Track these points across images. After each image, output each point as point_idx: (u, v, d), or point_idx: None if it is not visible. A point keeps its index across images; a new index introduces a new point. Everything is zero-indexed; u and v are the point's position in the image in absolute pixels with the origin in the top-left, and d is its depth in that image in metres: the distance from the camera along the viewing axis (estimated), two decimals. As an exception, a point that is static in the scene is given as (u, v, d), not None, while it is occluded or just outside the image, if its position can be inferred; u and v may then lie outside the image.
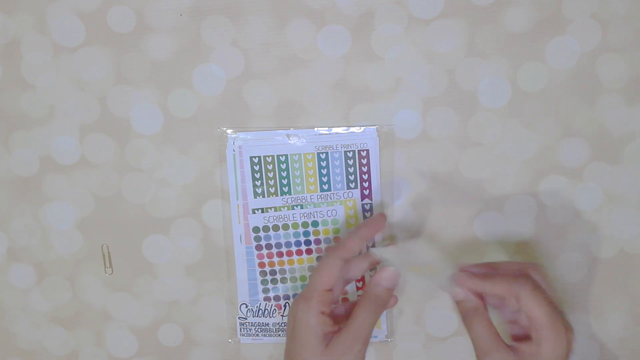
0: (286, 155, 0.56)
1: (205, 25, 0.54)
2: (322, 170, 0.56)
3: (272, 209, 0.57)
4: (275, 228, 0.57)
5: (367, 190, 0.56)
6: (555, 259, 0.57)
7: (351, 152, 0.55)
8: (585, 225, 0.56)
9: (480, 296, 0.47)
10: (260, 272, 0.58)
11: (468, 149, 0.55)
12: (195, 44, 0.54)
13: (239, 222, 0.57)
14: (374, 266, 0.52)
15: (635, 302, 0.58)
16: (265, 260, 0.58)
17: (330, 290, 0.48)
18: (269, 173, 0.56)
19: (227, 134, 0.56)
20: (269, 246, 0.57)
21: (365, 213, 0.56)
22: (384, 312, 0.57)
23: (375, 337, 0.59)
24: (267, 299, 0.59)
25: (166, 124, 0.56)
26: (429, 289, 0.54)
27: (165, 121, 0.56)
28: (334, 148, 0.55)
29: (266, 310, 0.59)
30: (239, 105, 0.55)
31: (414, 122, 0.55)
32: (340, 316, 0.51)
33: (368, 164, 0.56)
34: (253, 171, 0.56)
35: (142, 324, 0.60)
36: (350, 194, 0.56)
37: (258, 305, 0.59)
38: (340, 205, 0.56)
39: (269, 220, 0.57)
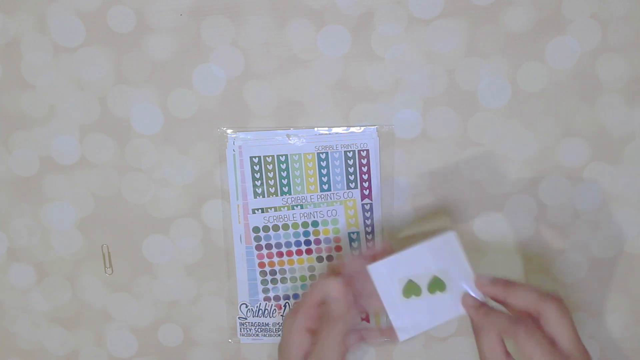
0: (286, 155, 0.56)
1: (205, 25, 0.54)
2: (322, 170, 0.56)
3: (272, 209, 0.57)
4: (275, 228, 0.57)
5: (367, 190, 0.56)
6: (555, 259, 0.57)
7: (351, 152, 0.55)
8: (585, 225, 0.56)
9: (489, 308, 0.45)
10: (260, 272, 0.58)
11: (468, 149, 0.55)
12: (195, 44, 0.54)
13: (239, 222, 0.57)
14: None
15: (635, 302, 0.57)
16: (265, 260, 0.58)
17: (317, 306, 0.46)
18: (269, 173, 0.56)
19: (227, 134, 0.56)
20: (269, 246, 0.57)
21: (365, 213, 0.56)
22: (384, 313, 0.56)
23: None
24: (267, 299, 0.59)
25: (166, 124, 0.56)
26: (431, 322, 0.46)
27: (165, 121, 0.56)
28: (334, 148, 0.55)
29: (266, 310, 0.59)
30: (239, 105, 0.55)
31: (414, 122, 0.55)
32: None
33: (368, 164, 0.56)
34: (253, 171, 0.56)
35: (142, 324, 0.60)
36: (350, 194, 0.56)
37: (258, 305, 0.59)
38: (340, 205, 0.56)
39: (269, 220, 0.57)
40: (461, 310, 0.45)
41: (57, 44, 0.55)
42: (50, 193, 0.58)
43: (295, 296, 0.59)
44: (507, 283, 0.44)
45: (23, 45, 0.55)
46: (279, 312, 0.59)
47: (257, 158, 0.56)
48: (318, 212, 0.56)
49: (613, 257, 0.57)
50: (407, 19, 0.53)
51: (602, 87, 0.53)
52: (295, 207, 0.57)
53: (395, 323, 0.45)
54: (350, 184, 0.56)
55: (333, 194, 0.56)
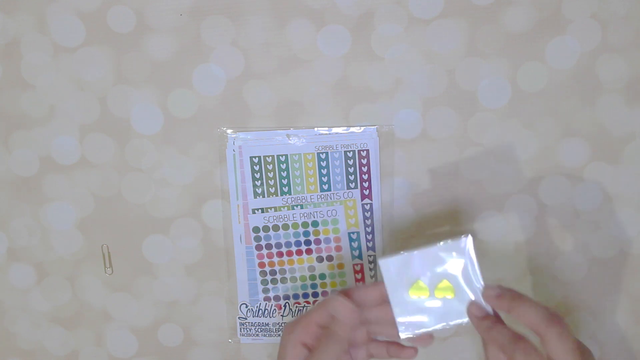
0: (286, 155, 0.56)
1: (205, 25, 0.54)
2: (322, 170, 0.56)
3: (272, 209, 0.57)
4: (275, 228, 0.57)
5: (367, 190, 0.56)
6: (555, 259, 0.57)
7: (351, 152, 0.55)
8: (585, 225, 0.56)
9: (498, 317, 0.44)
10: (260, 272, 0.58)
11: (468, 149, 0.55)
12: (195, 44, 0.54)
13: (239, 222, 0.57)
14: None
15: (635, 302, 0.57)
16: (265, 260, 0.58)
17: (318, 324, 0.46)
18: (269, 173, 0.56)
19: (227, 134, 0.56)
20: (269, 246, 0.57)
21: (365, 213, 0.56)
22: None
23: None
24: (267, 299, 0.59)
25: (166, 124, 0.56)
26: (434, 324, 0.45)
27: (165, 121, 0.56)
28: (334, 148, 0.55)
29: (266, 310, 0.59)
30: (239, 105, 0.55)
31: (414, 122, 0.55)
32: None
33: (368, 164, 0.55)
34: (253, 171, 0.56)
35: (142, 324, 0.60)
36: (350, 194, 0.56)
37: (258, 305, 0.59)
38: (340, 205, 0.56)
39: (269, 220, 0.57)
40: (466, 318, 0.45)
41: (57, 44, 0.55)
42: (50, 193, 0.58)
43: (295, 296, 0.59)
44: (514, 298, 0.43)
45: (23, 45, 0.55)
46: (279, 312, 0.59)
47: (257, 158, 0.56)
48: (318, 212, 0.56)
49: (613, 257, 0.57)
50: (407, 19, 0.53)
51: (602, 87, 0.53)
52: (295, 207, 0.57)
53: (399, 319, 0.45)
54: (350, 184, 0.56)
55: (333, 194, 0.56)
